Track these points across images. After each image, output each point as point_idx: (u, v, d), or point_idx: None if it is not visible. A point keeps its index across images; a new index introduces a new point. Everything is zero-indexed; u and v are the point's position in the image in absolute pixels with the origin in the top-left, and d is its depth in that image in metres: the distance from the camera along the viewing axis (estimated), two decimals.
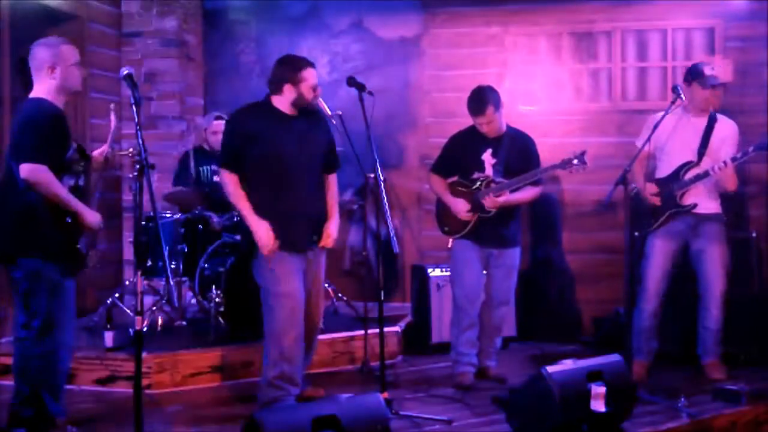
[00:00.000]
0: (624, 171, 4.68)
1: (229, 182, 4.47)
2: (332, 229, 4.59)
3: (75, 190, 3.99)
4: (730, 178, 4.99)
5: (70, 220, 3.93)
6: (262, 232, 4.38)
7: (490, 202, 4.91)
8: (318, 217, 4.58)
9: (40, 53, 4.03)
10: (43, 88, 4.01)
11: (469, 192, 5.05)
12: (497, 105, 4.96)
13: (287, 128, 4.48)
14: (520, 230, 5.19)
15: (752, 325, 5.61)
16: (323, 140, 4.65)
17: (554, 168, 4.94)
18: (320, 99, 4.82)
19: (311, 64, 4.51)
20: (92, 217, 4.02)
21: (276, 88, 4.49)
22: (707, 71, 5.04)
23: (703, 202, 5.10)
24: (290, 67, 4.47)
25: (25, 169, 3.81)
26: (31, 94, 4.03)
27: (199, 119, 6.37)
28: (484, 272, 5.14)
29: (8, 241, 3.95)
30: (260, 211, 4.42)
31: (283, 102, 4.49)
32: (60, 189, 3.89)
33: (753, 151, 4.92)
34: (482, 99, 4.93)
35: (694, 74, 5.08)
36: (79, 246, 3.99)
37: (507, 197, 4.93)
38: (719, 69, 5.10)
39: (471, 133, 5.11)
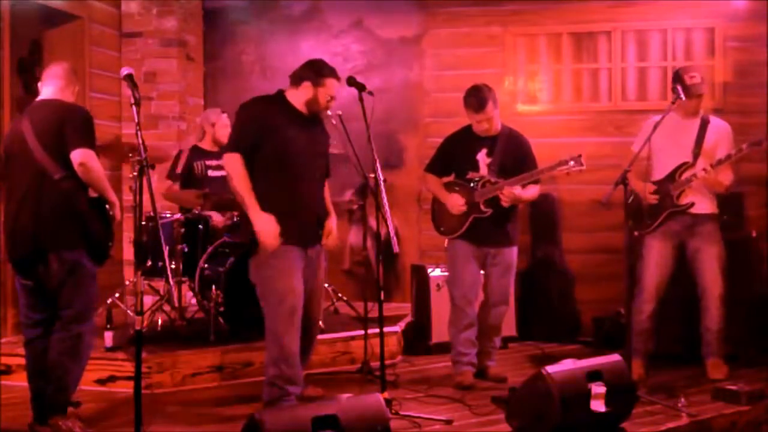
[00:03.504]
0: (624, 171, 4.68)
1: (235, 163, 4.39)
2: (333, 226, 4.65)
3: None
4: (713, 184, 5.01)
5: (111, 213, 4.17)
6: (267, 224, 4.34)
7: (509, 193, 4.90)
8: (322, 215, 4.63)
9: (74, 74, 4.36)
10: (63, 95, 4.23)
11: (464, 192, 5.06)
12: (495, 102, 4.98)
13: (300, 124, 4.52)
14: (516, 229, 5.19)
15: (752, 325, 5.61)
16: (326, 143, 4.73)
17: (551, 169, 4.95)
18: None
19: (336, 77, 4.57)
20: (119, 209, 4.25)
21: (296, 82, 4.54)
22: (688, 80, 4.99)
23: (700, 201, 5.10)
24: (317, 69, 4.55)
25: (80, 154, 4.00)
26: (54, 96, 4.21)
27: (211, 115, 6.29)
28: (482, 272, 5.14)
29: (51, 232, 4.04)
30: (270, 203, 4.39)
31: (297, 98, 4.54)
32: (105, 177, 4.15)
33: (747, 148, 4.92)
34: (482, 96, 4.94)
35: (676, 82, 5.06)
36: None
37: (519, 193, 4.93)
38: (699, 76, 5.06)
39: (466, 133, 5.12)
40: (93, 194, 4.17)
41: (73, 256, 4.06)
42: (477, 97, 4.95)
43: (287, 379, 4.43)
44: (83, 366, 4.22)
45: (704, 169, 4.95)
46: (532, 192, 5.05)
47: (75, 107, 4.22)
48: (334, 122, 4.86)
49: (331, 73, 4.56)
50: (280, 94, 4.59)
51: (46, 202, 4.03)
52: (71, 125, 4.05)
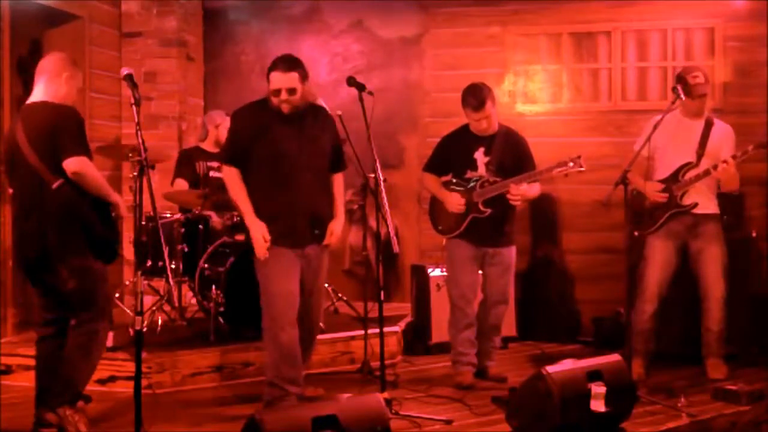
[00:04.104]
0: (624, 171, 4.68)
1: (232, 177, 4.49)
2: (336, 227, 4.61)
3: None
4: (732, 177, 4.99)
5: (113, 213, 4.10)
6: (258, 233, 4.41)
7: (516, 190, 4.89)
8: (321, 214, 4.58)
9: (58, 63, 4.16)
10: (52, 92, 4.10)
11: (463, 191, 5.05)
12: (493, 101, 4.99)
13: (289, 125, 4.48)
14: (514, 229, 5.19)
15: (752, 325, 5.61)
16: (327, 139, 4.63)
17: (550, 170, 4.93)
18: (320, 99, 4.82)
19: (281, 68, 4.39)
20: (124, 208, 4.20)
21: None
22: (691, 81, 5.00)
23: (703, 202, 5.10)
24: (269, 67, 4.46)
25: (74, 162, 3.91)
26: (45, 98, 4.09)
27: (215, 116, 6.29)
28: (480, 272, 5.14)
29: (55, 238, 4.00)
30: (261, 206, 4.44)
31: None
32: (103, 179, 4.06)
33: (753, 150, 4.92)
34: (481, 95, 4.93)
35: (678, 82, 5.06)
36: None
37: (525, 190, 4.93)
38: (702, 76, 5.06)
39: (463, 132, 5.12)
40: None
41: (81, 262, 4.03)
42: (475, 96, 4.94)
43: (287, 379, 4.43)
44: (94, 363, 4.20)
45: (725, 161, 4.91)
46: (535, 190, 5.06)
47: (64, 111, 4.05)
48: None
49: (276, 66, 4.42)
50: (267, 96, 4.53)
51: (48, 210, 3.99)
52: (63, 132, 3.94)
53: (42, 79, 4.14)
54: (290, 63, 4.42)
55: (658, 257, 5.16)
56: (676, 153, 5.13)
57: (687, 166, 5.10)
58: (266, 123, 4.46)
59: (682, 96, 4.82)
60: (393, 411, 4.31)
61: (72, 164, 3.91)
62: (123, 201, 4.22)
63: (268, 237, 4.40)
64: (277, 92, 4.40)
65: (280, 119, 4.47)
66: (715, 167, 4.94)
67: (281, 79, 4.38)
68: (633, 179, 4.89)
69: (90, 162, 3.98)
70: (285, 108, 4.42)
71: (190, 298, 5.99)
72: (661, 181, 5.16)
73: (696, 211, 5.10)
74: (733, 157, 4.92)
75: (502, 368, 5.32)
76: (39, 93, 4.13)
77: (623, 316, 5.09)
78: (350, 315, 6.24)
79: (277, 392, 4.42)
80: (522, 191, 4.91)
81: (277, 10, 7.36)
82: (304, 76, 4.45)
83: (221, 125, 6.12)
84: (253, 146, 4.45)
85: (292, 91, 4.39)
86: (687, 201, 5.10)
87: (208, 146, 6.21)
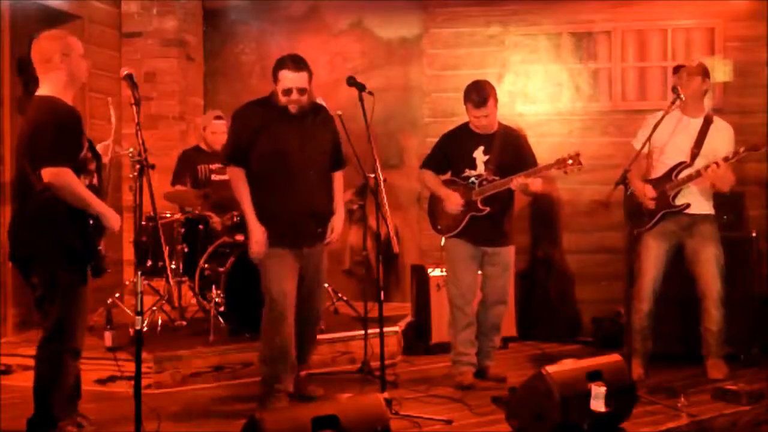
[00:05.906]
0: (624, 171, 4.68)
1: (236, 177, 4.53)
2: (337, 224, 4.65)
3: (90, 190, 3.86)
4: (723, 179, 4.97)
5: (92, 222, 3.83)
6: (257, 235, 4.46)
7: (537, 184, 4.88)
8: (322, 212, 4.63)
9: (45, 46, 3.89)
10: (50, 83, 3.87)
11: (462, 190, 5.05)
12: (495, 99, 4.99)
13: (291, 123, 4.51)
14: (512, 228, 5.18)
15: (752, 325, 5.61)
16: (328, 137, 4.67)
17: (549, 168, 4.92)
18: (319, 99, 4.82)
19: (292, 67, 4.41)
20: (114, 218, 3.91)
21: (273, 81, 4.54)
22: (688, 65, 5.13)
23: (697, 202, 5.09)
24: (275, 66, 4.50)
25: (49, 174, 3.70)
26: (39, 92, 3.90)
27: (205, 118, 6.35)
28: (479, 272, 5.14)
29: (27, 244, 3.87)
30: (264, 205, 4.48)
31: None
32: (84, 191, 3.78)
33: (744, 152, 4.91)
34: (485, 91, 4.93)
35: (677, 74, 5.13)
36: (100, 248, 3.90)
37: (530, 180, 4.90)
38: (700, 62, 5.14)
39: (463, 130, 5.12)
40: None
41: (49, 268, 3.84)
42: (479, 93, 4.94)
43: (277, 377, 4.50)
44: (63, 392, 3.94)
45: (716, 163, 4.91)
46: (538, 183, 4.98)
47: (52, 110, 3.79)
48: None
49: (285, 65, 4.43)
50: (271, 94, 4.57)
51: (26, 211, 3.87)
52: (43, 136, 3.71)
53: (40, 73, 3.90)
54: (300, 62, 4.45)
55: (651, 257, 5.14)
56: (673, 151, 5.12)
57: (681, 166, 5.10)
58: (268, 121, 4.49)
59: (682, 96, 4.83)
60: (393, 411, 4.30)
61: (46, 175, 3.70)
62: (110, 213, 3.88)
63: (265, 241, 4.46)
64: (288, 91, 4.43)
65: (281, 117, 4.49)
66: (705, 168, 4.94)
67: (292, 79, 4.42)
68: (631, 179, 4.88)
69: (67, 173, 3.71)
70: (293, 108, 4.47)
71: (190, 298, 6.00)
72: (656, 180, 5.15)
73: (691, 211, 5.09)
74: (725, 159, 4.91)
75: (502, 368, 5.32)
76: (42, 87, 3.91)
77: (623, 316, 5.09)
78: (350, 315, 6.25)
79: (266, 389, 4.51)
80: (526, 180, 4.88)
81: (277, 10, 7.37)
82: (311, 76, 4.50)
83: (207, 128, 6.14)
84: (255, 144, 4.48)
85: (302, 91, 4.44)
86: (680, 201, 5.09)
87: (206, 146, 6.21)
